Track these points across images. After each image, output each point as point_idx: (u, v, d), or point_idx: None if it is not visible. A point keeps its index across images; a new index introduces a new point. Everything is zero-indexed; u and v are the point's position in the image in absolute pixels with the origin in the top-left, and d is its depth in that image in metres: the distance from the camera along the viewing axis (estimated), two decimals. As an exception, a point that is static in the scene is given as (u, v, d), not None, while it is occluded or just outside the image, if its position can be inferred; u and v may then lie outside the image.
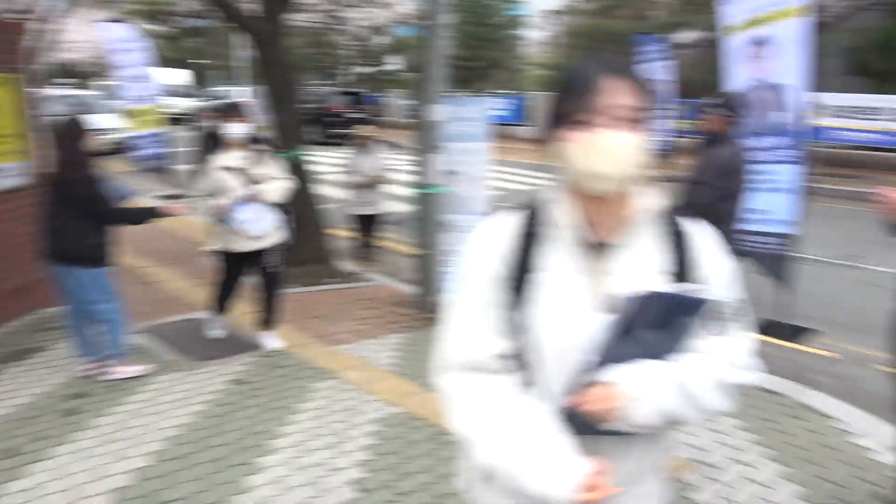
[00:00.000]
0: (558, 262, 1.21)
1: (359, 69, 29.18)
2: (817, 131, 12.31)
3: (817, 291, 6.05)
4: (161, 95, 10.60)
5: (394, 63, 32.34)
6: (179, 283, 5.99)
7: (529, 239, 1.23)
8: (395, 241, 7.97)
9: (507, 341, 1.23)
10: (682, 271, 1.23)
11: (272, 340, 4.54)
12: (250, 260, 4.35)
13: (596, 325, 1.15)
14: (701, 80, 21.02)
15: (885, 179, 12.76)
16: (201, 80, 31.72)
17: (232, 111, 4.26)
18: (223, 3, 6.26)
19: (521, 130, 20.96)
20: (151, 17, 30.73)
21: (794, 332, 5.01)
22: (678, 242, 1.25)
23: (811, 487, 2.92)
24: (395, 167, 7.53)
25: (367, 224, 6.90)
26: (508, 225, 1.26)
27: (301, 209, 6.40)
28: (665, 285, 1.18)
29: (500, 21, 29.82)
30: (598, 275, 1.21)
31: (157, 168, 10.79)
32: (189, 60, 33.79)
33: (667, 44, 13.59)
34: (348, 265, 6.67)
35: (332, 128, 19.45)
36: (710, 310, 1.20)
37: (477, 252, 1.27)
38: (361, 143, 6.88)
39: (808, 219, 5.24)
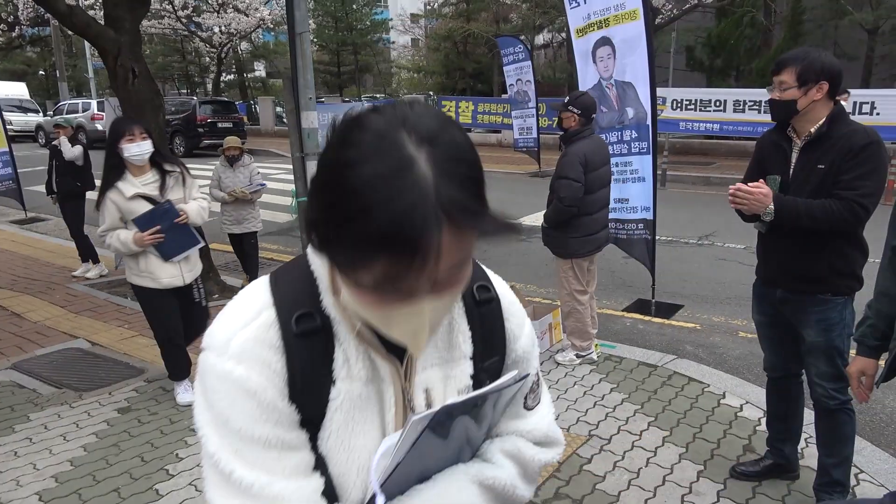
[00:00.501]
0: (350, 371, 0.84)
1: (223, 77, 28.07)
2: (666, 123, 13.47)
3: (678, 269, 6.66)
4: None
5: (259, 69, 31.43)
6: (46, 313, 5.54)
7: (310, 345, 0.82)
8: (278, 252, 7.82)
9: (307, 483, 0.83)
10: (490, 352, 0.96)
11: (187, 392, 3.90)
12: (178, 294, 3.82)
13: (381, 449, 0.80)
14: (557, 79, 22.27)
15: (728, 164, 14.20)
16: (47, 92, 29.15)
17: (121, 128, 3.56)
18: (63, 13, 5.83)
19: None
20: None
21: (660, 309, 5.50)
22: (482, 319, 0.96)
23: (694, 448, 3.24)
24: (273, 176, 7.38)
25: (240, 242, 6.25)
26: (269, 330, 0.81)
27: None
28: (461, 395, 0.86)
29: (365, 26, 29.86)
30: (399, 383, 0.88)
31: (6, 191, 9.84)
32: (28, 72, 30.91)
33: (525, 46, 14.27)
34: (232, 279, 6.46)
35: (199, 139, 18.61)
36: (522, 391, 0.97)
37: (233, 380, 0.79)
38: (230, 156, 6.24)
39: (666, 202, 5.78)
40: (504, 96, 18.71)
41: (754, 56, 18.01)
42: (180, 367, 3.90)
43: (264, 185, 6.33)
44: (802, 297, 2.60)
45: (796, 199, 2.48)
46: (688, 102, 13.53)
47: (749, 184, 2.53)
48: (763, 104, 12.82)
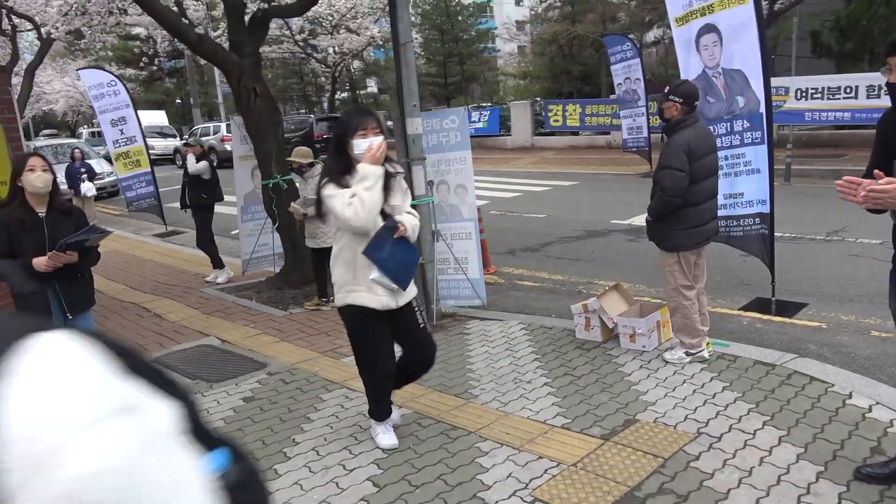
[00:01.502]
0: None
1: (338, 95, 29.50)
2: (789, 114, 12.63)
3: (803, 267, 6.24)
4: (143, 137, 10.75)
5: (371, 86, 32.71)
6: (182, 314, 6.10)
7: None
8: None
9: None
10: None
11: (389, 433, 3.43)
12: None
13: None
14: (669, 76, 21.46)
15: (861, 155, 13.06)
16: (182, 119, 31.94)
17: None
18: (194, 42, 6.42)
19: (502, 140, 21.24)
20: (125, 61, 30.96)
21: (781, 307, 5.18)
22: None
23: (814, 449, 3.03)
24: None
25: (317, 257, 5.91)
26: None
27: (295, 233, 6.55)
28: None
29: (471, 37, 30.28)
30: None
31: (149, 207, 10.93)
32: (167, 101, 34.01)
33: (634, 43, 13.90)
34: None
35: (319, 153, 19.67)
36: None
37: None
38: (296, 168, 6.00)
39: (790, 198, 5.43)
40: (612, 97, 18.29)
41: (890, 37, 16.43)
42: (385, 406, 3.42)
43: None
44: None
45: None
46: (814, 91, 12.60)
47: (880, 181, 2.35)
48: (902, 88, 11.71)
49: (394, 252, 3.09)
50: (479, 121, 21.15)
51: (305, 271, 6.52)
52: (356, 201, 2.97)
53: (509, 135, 21.16)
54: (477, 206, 5.99)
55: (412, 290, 3.30)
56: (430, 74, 29.86)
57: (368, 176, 3.00)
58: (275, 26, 19.89)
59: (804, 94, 12.64)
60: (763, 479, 2.83)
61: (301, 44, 22.74)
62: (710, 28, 5.20)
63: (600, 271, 6.74)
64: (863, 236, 7.09)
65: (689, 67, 5.37)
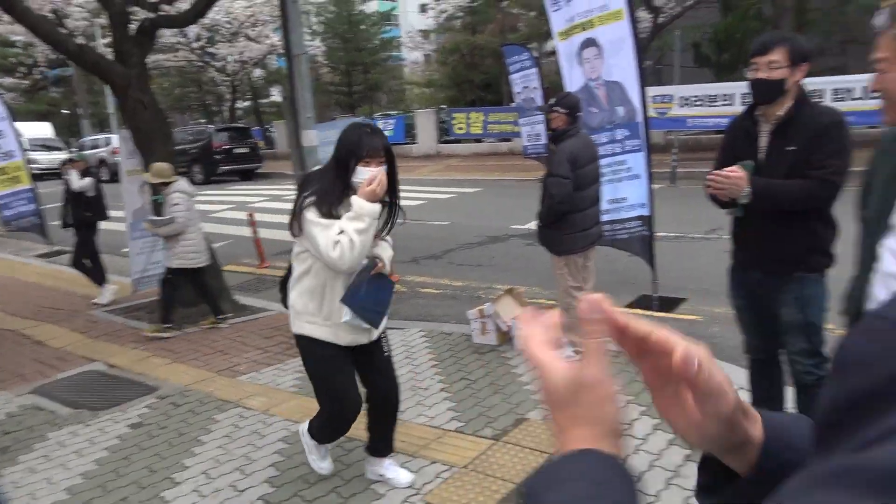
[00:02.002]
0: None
1: (238, 104, 28.70)
2: (674, 121, 13.44)
3: (684, 265, 6.68)
4: (24, 151, 10.07)
5: (274, 94, 32.04)
6: (67, 339, 5.77)
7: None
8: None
9: None
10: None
11: (397, 472, 3.13)
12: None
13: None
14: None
15: (738, 158, 14.08)
16: (72, 130, 30.08)
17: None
18: (74, 53, 6.11)
19: (408, 148, 21.36)
20: (3, 69, 28.85)
21: (662, 303, 5.53)
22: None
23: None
24: (287, 197, 7.56)
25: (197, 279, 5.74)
26: None
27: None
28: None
29: (375, 45, 30.29)
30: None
31: (30, 227, 10.23)
32: (53, 111, 31.93)
33: (531, 53, 14.37)
34: (246, 299, 6.64)
35: (217, 166, 19.05)
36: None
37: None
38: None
39: (675, 200, 5.81)
40: (513, 105, 18.82)
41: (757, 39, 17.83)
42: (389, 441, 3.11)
43: (173, 218, 5.42)
44: (779, 277, 2.65)
45: (771, 181, 2.55)
46: (695, 99, 13.49)
47: (726, 169, 2.59)
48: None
49: (369, 291, 2.74)
50: (386, 129, 21.20)
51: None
52: (345, 243, 2.54)
53: (415, 143, 21.33)
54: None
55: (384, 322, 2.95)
56: (334, 83, 29.61)
57: (364, 216, 2.57)
58: (170, 33, 19.13)
59: (687, 102, 13.51)
60: (637, 466, 3.02)
61: (198, 52, 22.00)
62: (590, 42, 5.49)
63: (500, 276, 6.94)
64: (737, 234, 7.66)
65: (573, 79, 5.65)
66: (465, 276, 7.09)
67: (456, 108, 21.48)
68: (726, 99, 13.17)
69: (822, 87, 12.07)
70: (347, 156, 2.64)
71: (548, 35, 24.97)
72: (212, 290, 5.96)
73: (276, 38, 21.48)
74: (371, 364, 2.96)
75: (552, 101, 4.36)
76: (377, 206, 2.63)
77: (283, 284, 3.10)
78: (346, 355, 2.85)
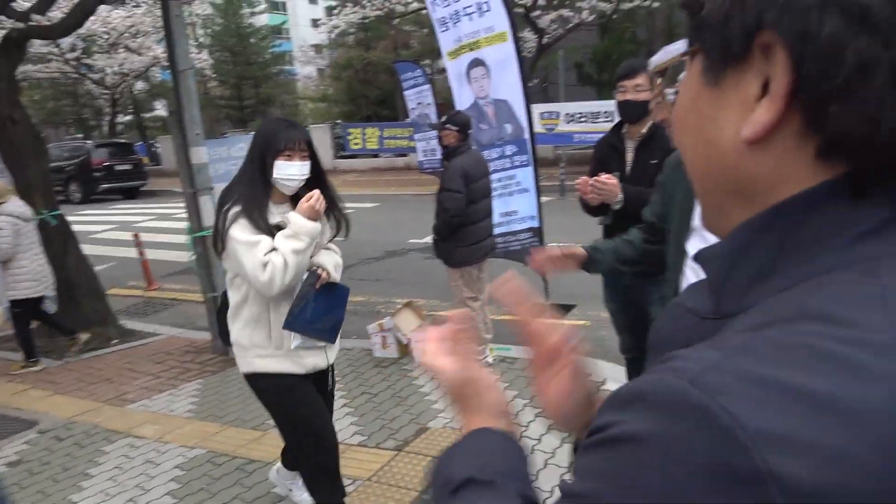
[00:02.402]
0: None
1: (119, 118, 27.16)
2: (561, 136, 14.14)
3: (572, 273, 7.05)
4: None
5: (158, 108, 30.62)
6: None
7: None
8: (182, 292, 7.70)
9: None
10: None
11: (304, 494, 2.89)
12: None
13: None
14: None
15: (620, 171, 15.00)
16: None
17: None
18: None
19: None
20: None
21: (554, 310, 5.81)
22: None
23: (570, 430, 3.51)
24: (175, 216, 7.29)
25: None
26: None
27: (70, 273, 5.97)
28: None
29: (266, 59, 29.69)
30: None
31: None
32: None
33: (424, 70, 14.65)
34: (133, 323, 6.33)
35: (97, 184, 17.91)
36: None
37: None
38: None
39: (564, 211, 6.13)
40: (408, 120, 19.04)
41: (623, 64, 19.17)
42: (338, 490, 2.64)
43: None
44: (646, 278, 2.90)
45: (641, 189, 2.79)
46: (580, 115, 14.28)
47: (602, 175, 2.81)
48: (647, 113, 13.71)
49: (317, 307, 2.41)
50: (279, 145, 20.79)
51: (84, 313, 5.97)
52: (277, 264, 2.21)
53: (311, 158, 21.06)
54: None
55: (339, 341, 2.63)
56: (224, 97, 28.73)
57: (301, 234, 2.26)
58: (41, 43, 17.86)
59: (572, 118, 14.26)
60: (533, 464, 3.19)
61: (73, 63, 20.67)
62: (478, 62, 5.73)
63: (399, 290, 7.02)
64: (620, 242, 8.18)
65: (462, 97, 5.86)
66: (364, 291, 7.11)
67: (351, 124, 21.45)
68: (608, 115, 14.03)
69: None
70: (264, 151, 2.29)
71: (440, 53, 25.52)
72: (53, 320, 5.57)
73: (159, 50, 20.57)
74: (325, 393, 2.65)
75: (444, 119, 4.53)
76: (318, 225, 2.31)
77: (221, 317, 2.60)
78: (309, 384, 2.46)
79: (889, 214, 0.44)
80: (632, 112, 2.86)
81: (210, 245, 5.28)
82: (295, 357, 2.41)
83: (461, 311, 0.83)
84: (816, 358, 0.38)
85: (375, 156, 20.04)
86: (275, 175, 2.30)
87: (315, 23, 45.11)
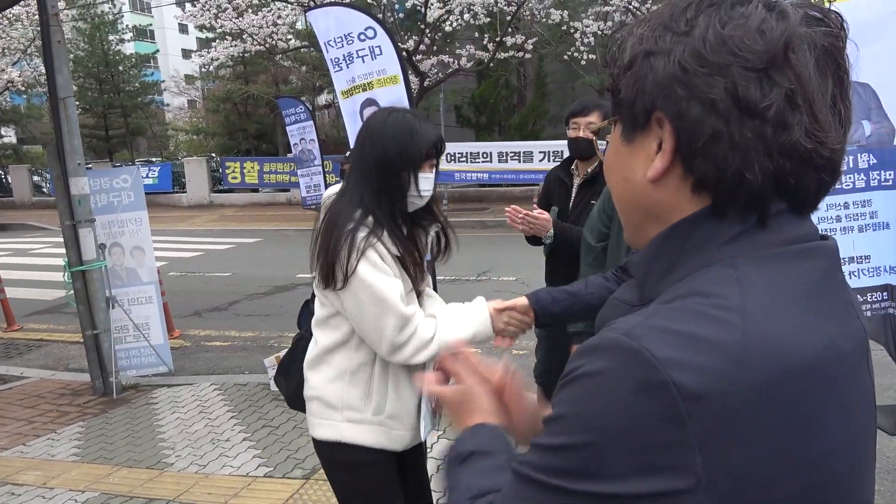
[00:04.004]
0: None
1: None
2: (443, 174, 14.64)
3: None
4: None
5: (7, 135, 28.13)
6: None
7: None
8: (49, 331, 7.16)
9: None
10: None
11: None
12: None
13: None
14: (342, 137, 23.06)
15: (499, 208, 15.76)
16: None
17: None
18: None
19: (177, 198, 20.18)
20: None
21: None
22: None
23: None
24: (34, 251, 6.82)
25: None
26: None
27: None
28: None
29: (135, 88, 28.26)
30: None
31: None
32: None
33: (306, 106, 14.71)
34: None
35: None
36: None
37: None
38: None
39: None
40: (289, 155, 18.85)
41: (512, 113, 20.38)
42: None
43: None
44: None
45: (572, 226, 2.93)
46: (460, 155, 14.91)
47: (535, 210, 2.95)
48: (521, 154, 14.59)
49: None
50: (149, 177, 19.81)
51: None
52: (422, 337, 1.71)
53: (184, 192, 20.23)
54: (157, 268, 5.75)
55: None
56: (87, 126, 26.93)
57: (478, 336, 1.75)
58: None
59: (453, 158, 14.85)
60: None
61: None
62: (371, 102, 5.95)
63: (290, 324, 6.95)
64: (503, 275, 8.64)
65: (356, 133, 6.06)
66: (254, 327, 6.99)
67: (229, 157, 20.90)
68: (485, 156, 14.78)
69: (561, 148, 14.17)
70: (401, 163, 1.72)
71: (320, 89, 25.61)
72: None
73: (15, 73, 19.06)
74: (406, 476, 2.00)
75: (348, 153, 4.70)
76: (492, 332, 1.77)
77: (288, 366, 2.06)
78: (394, 465, 1.91)
79: (740, 228, 0.66)
80: (584, 149, 2.93)
81: (90, 280, 5.07)
82: (392, 430, 1.82)
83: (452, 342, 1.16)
84: (695, 315, 0.61)
85: (255, 190, 19.61)
86: (412, 191, 1.75)
87: (187, 53, 43.66)
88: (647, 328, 0.61)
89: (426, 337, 1.72)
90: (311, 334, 1.92)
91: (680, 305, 0.63)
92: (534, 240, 3.11)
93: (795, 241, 0.66)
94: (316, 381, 1.85)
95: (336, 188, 1.83)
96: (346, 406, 1.81)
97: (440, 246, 1.99)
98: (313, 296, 2.02)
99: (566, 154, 3.18)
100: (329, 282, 1.70)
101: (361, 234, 1.68)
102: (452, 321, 1.76)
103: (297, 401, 1.97)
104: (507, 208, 2.97)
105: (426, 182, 1.77)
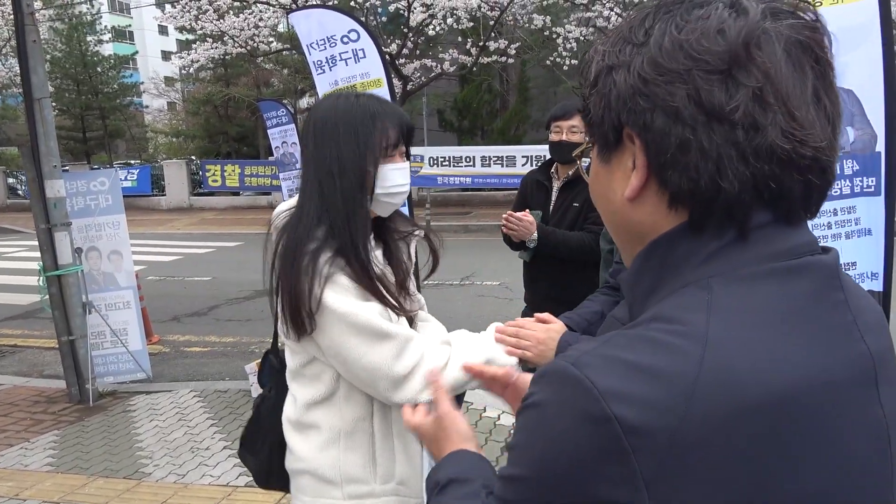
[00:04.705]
0: None
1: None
2: (426, 178, 14.63)
3: (443, 308, 7.32)
4: None
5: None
6: None
7: None
8: (24, 336, 7.01)
9: None
10: None
11: None
12: None
13: None
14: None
15: (482, 212, 15.78)
16: None
17: None
18: None
19: (156, 201, 19.93)
20: None
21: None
22: None
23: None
24: (8, 255, 6.67)
25: None
26: None
27: None
28: None
29: (114, 90, 27.90)
30: None
31: None
32: None
33: (288, 109, 14.61)
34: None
35: None
36: None
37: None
38: None
39: (428, 251, 6.39)
40: (271, 158, 18.70)
41: (494, 117, 20.42)
42: None
43: None
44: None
45: (556, 230, 2.89)
46: (443, 159, 14.89)
47: (519, 212, 2.89)
48: (504, 158, 14.61)
49: None
50: (127, 179, 19.54)
51: None
52: (432, 364, 1.33)
53: (164, 195, 19.99)
54: (135, 273, 5.65)
55: None
56: (64, 128, 26.53)
57: (495, 362, 1.38)
58: None
59: (436, 162, 14.83)
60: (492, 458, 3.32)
61: None
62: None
63: (272, 329, 6.88)
64: (487, 279, 8.62)
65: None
66: (234, 332, 6.90)
67: (209, 160, 20.69)
68: (468, 160, 14.78)
69: (543, 153, 14.21)
70: (363, 156, 1.36)
71: (302, 92, 25.48)
72: None
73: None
74: None
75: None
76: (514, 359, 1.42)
77: (253, 437, 1.61)
78: None
79: (716, 244, 0.62)
80: (566, 153, 2.87)
81: (66, 285, 4.96)
82: (408, 497, 1.45)
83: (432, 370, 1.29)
84: (649, 343, 0.57)
85: (236, 194, 19.44)
86: (380, 189, 1.40)
87: (166, 55, 43.24)
88: (594, 356, 0.58)
89: (437, 363, 1.32)
90: (275, 392, 1.55)
91: (638, 332, 0.59)
92: (513, 244, 3.05)
93: (783, 256, 0.61)
94: (303, 449, 1.43)
95: (290, 202, 1.45)
96: (347, 479, 1.40)
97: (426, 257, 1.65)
98: (273, 345, 1.63)
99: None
100: (300, 330, 1.33)
101: (324, 256, 1.32)
102: (471, 346, 1.40)
103: (270, 476, 1.55)
104: (503, 216, 2.92)
105: (399, 174, 1.42)
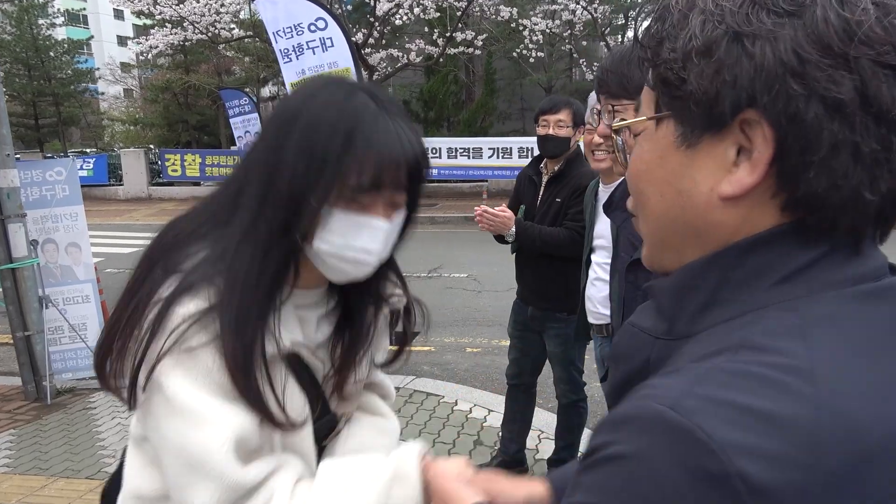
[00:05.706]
0: None
1: None
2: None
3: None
4: None
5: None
6: None
7: None
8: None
9: None
10: None
11: None
12: None
13: None
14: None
15: (448, 204, 15.76)
16: None
17: None
18: None
19: (113, 190, 19.37)
20: None
21: (396, 337, 5.98)
22: None
23: (434, 451, 3.63)
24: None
25: None
26: None
27: None
28: None
29: (68, 76, 26.97)
30: None
31: None
32: None
33: (251, 98, 14.36)
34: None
35: None
36: None
37: None
38: None
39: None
40: (234, 148, 18.37)
41: (460, 109, 20.41)
42: None
43: None
44: (546, 313, 3.00)
45: (534, 225, 2.90)
46: (410, 150, 14.81)
47: (496, 208, 2.90)
48: (471, 150, 14.61)
49: None
50: (83, 168, 18.94)
51: None
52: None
53: (121, 184, 19.44)
54: (94, 265, 5.48)
55: None
56: (16, 114, 25.56)
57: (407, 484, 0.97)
58: None
59: (402, 153, 14.75)
60: None
61: None
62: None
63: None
64: (454, 272, 8.62)
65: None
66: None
67: (169, 149, 20.19)
68: (435, 152, 14.73)
69: (510, 145, 14.29)
70: (302, 176, 0.90)
71: (265, 80, 25.04)
72: None
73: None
74: None
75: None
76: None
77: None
78: None
79: (806, 259, 0.54)
80: (553, 147, 2.88)
81: (20, 279, 4.78)
82: None
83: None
84: (755, 380, 0.48)
85: (197, 184, 19.02)
86: (323, 243, 0.93)
87: (122, 40, 41.96)
88: (699, 399, 0.48)
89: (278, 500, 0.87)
90: None
91: (733, 366, 0.50)
92: (500, 238, 3.06)
93: (868, 278, 0.54)
94: None
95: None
96: None
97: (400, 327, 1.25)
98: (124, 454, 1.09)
99: (514, 151, 3.18)
100: (132, 402, 0.93)
101: (192, 304, 0.87)
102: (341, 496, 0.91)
103: None
104: (477, 209, 2.92)
105: (365, 234, 0.94)
